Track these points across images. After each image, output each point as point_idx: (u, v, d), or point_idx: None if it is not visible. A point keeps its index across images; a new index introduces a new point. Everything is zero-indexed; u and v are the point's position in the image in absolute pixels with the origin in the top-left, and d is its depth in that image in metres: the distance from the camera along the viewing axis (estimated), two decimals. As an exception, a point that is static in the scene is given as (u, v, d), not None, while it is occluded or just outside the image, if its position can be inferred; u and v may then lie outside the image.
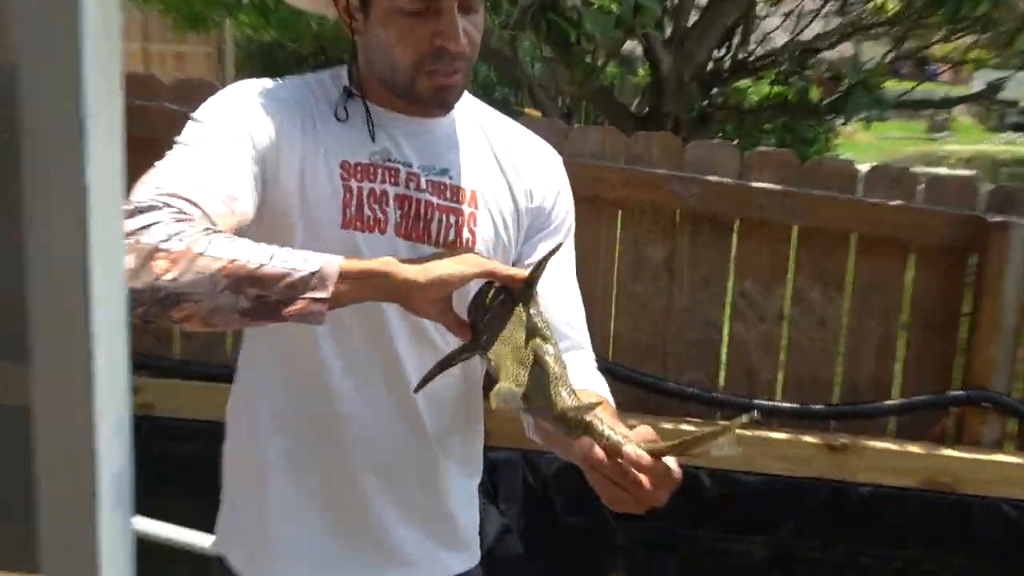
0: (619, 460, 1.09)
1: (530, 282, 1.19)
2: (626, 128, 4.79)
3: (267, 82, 1.35)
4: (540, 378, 1.15)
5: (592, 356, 1.45)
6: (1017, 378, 3.63)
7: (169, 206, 1.12)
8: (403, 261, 1.17)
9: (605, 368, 3.61)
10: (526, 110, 7.11)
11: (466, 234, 1.36)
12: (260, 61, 14.14)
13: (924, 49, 6.74)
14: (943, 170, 15.14)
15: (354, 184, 1.31)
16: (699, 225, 3.61)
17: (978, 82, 16.66)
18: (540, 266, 1.18)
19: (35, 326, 0.83)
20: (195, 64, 14.84)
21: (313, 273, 1.09)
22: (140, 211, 1.10)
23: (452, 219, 1.35)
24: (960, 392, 3.61)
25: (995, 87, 5.79)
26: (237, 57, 14.56)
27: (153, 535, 2.34)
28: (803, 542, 3.62)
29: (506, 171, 1.41)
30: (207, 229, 1.12)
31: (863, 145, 15.33)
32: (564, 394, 1.14)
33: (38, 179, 0.80)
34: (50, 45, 0.78)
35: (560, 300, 1.40)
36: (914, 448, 3.59)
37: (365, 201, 1.31)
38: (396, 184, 1.33)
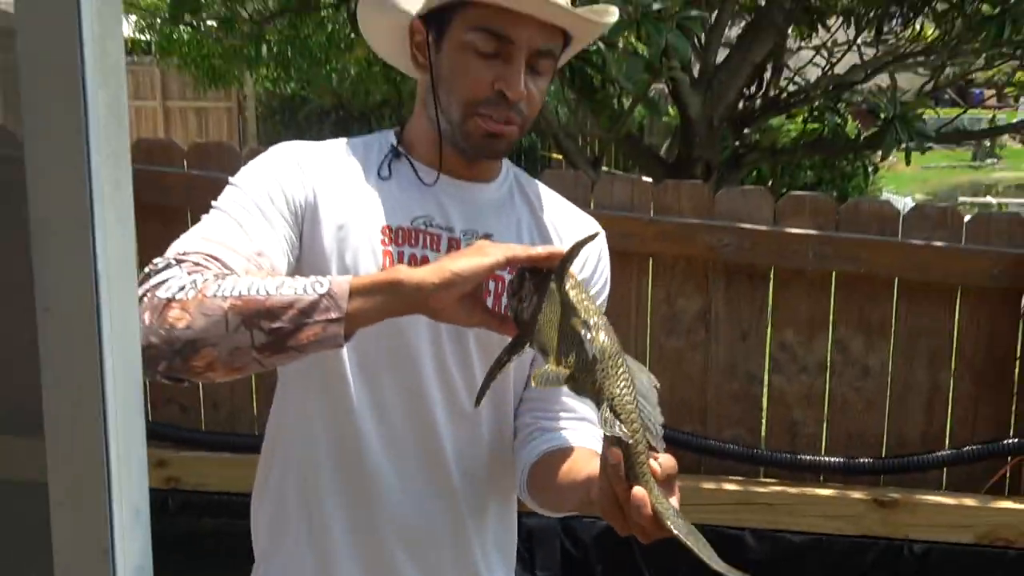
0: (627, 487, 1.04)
1: (565, 259, 1.14)
2: (656, 174, 4.80)
3: (310, 145, 1.37)
4: (584, 360, 1.08)
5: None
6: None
7: (184, 262, 1.14)
8: (414, 264, 1.19)
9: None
10: (553, 155, 7.14)
11: (505, 301, 1.37)
12: (281, 115, 14.37)
13: (965, 76, 6.70)
14: (991, 199, 14.98)
15: (394, 249, 1.32)
16: (734, 276, 3.60)
17: (1025, 106, 16.52)
18: (576, 247, 1.14)
19: (49, 413, 0.84)
20: (216, 119, 15.09)
21: (323, 295, 1.08)
22: (156, 271, 1.12)
23: (491, 285, 1.36)
24: (1016, 440, 3.56)
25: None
26: (258, 111, 14.80)
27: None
28: (857, 603, 3.57)
29: (548, 241, 1.42)
30: (218, 274, 1.13)
31: (906, 177, 15.19)
32: (614, 380, 1.06)
33: (49, 266, 0.82)
34: (57, 135, 0.80)
35: None
36: (969, 501, 3.54)
37: (404, 248, 1.33)
38: (437, 251, 1.34)
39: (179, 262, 1.14)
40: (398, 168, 1.37)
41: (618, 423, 1.04)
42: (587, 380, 1.08)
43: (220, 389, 3.92)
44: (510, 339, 1.19)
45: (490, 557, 1.48)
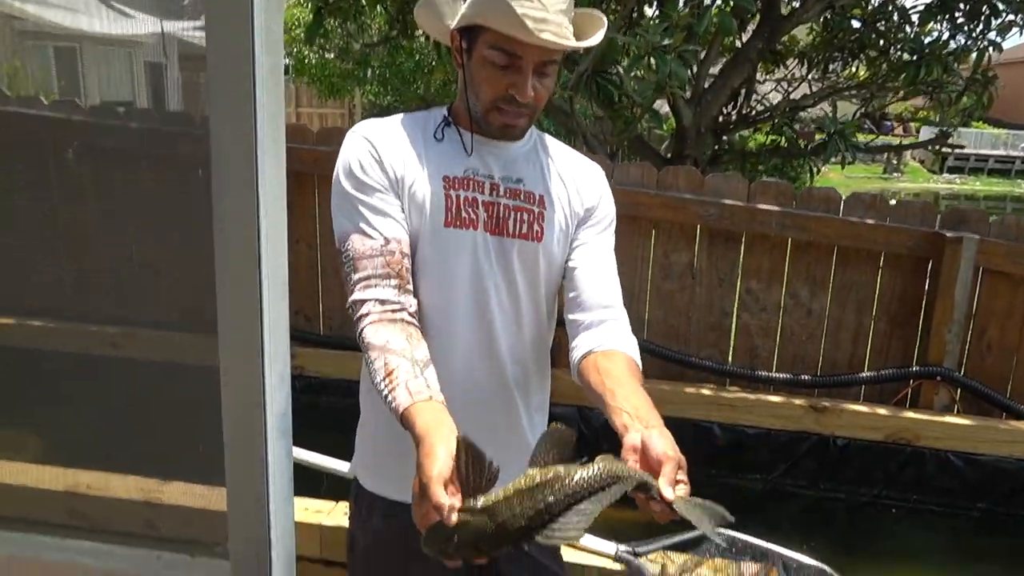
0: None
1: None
2: (656, 166, 4.71)
3: (385, 123, 1.34)
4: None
5: (625, 324, 1.36)
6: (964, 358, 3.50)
7: (373, 292, 1.25)
8: (467, 204, 1.25)
9: (642, 346, 3.57)
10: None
11: (536, 227, 1.34)
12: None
13: (886, 107, 6.54)
14: (894, 202, 14.73)
15: (453, 193, 1.30)
16: (715, 238, 3.53)
17: (924, 135, 16.21)
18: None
19: (222, 308, 0.82)
20: (332, 122, 15.08)
21: (396, 408, 1.12)
22: (358, 305, 1.25)
23: (525, 216, 1.33)
24: (918, 368, 3.49)
25: (946, 134, 5.59)
26: (363, 116, 14.76)
27: (306, 462, 2.34)
28: (792, 481, 3.53)
29: (565, 180, 1.38)
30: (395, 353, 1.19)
31: (836, 182, 14.94)
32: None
33: (225, 203, 0.79)
34: (234, 107, 0.77)
35: (599, 281, 1.36)
36: (881, 410, 3.47)
37: (462, 206, 1.30)
38: (482, 192, 1.32)
39: (369, 290, 1.25)
40: (449, 133, 1.34)
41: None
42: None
43: (333, 305, 3.91)
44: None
45: (534, 418, 1.44)
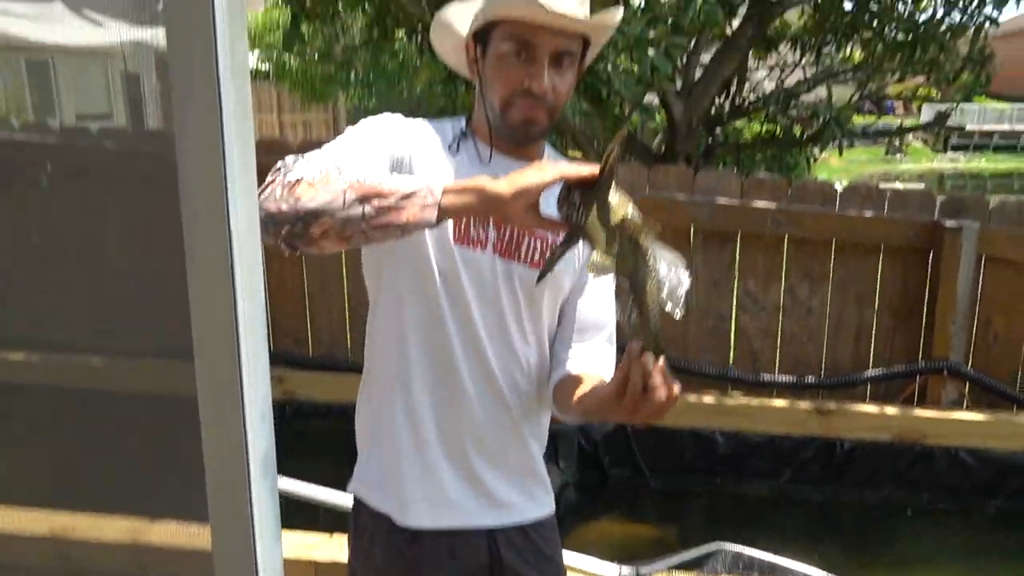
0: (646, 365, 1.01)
1: (609, 174, 1.07)
2: (648, 163, 4.68)
3: (409, 119, 1.33)
4: (626, 249, 1.03)
5: (608, 349, 1.36)
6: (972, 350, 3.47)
7: (310, 161, 1.12)
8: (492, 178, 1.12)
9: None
10: (568, 151, 7.03)
11: (548, 253, 1.31)
12: (366, 123, 14.32)
13: (883, 90, 6.52)
14: (899, 185, 14.73)
15: None
16: (709, 238, 3.49)
17: (926, 114, 16.18)
18: (613, 166, 1.08)
19: (197, 343, 0.80)
20: (317, 127, 15.05)
21: (423, 186, 1.06)
22: (285, 164, 1.11)
23: (537, 242, 1.30)
24: (923, 363, 3.46)
25: (943, 116, 5.56)
26: (348, 121, 14.73)
27: (298, 494, 2.31)
28: (798, 487, 3.50)
29: None
30: (338, 167, 1.11)
31: (835, 167, 14.95)
32: (652, 263, 1.01)
33: (196, 227, 0.77)
34: (199, 124, 0.75)
35: (587, 315, 1.35)
36: (887, 410, 3.44)
37: (471, 222, 1.27)
38: None
39: (305, 160, 1.12)
40: (465, 145, 1.32)
41: (638, 325, 1.01)
42: (624, 267, 1.03)
43: (322, 326, 3.88)
44: (561, 240, 1.12)
45: (532, 448, 1.42)
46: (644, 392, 1.02)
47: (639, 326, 1.03)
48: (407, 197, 1.05)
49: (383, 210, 1.05)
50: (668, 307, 1.01)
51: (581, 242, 1.10)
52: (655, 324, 1.02)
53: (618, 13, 1.26)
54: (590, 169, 1.08)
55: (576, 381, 1.29)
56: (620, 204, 1.05)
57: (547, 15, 1.19)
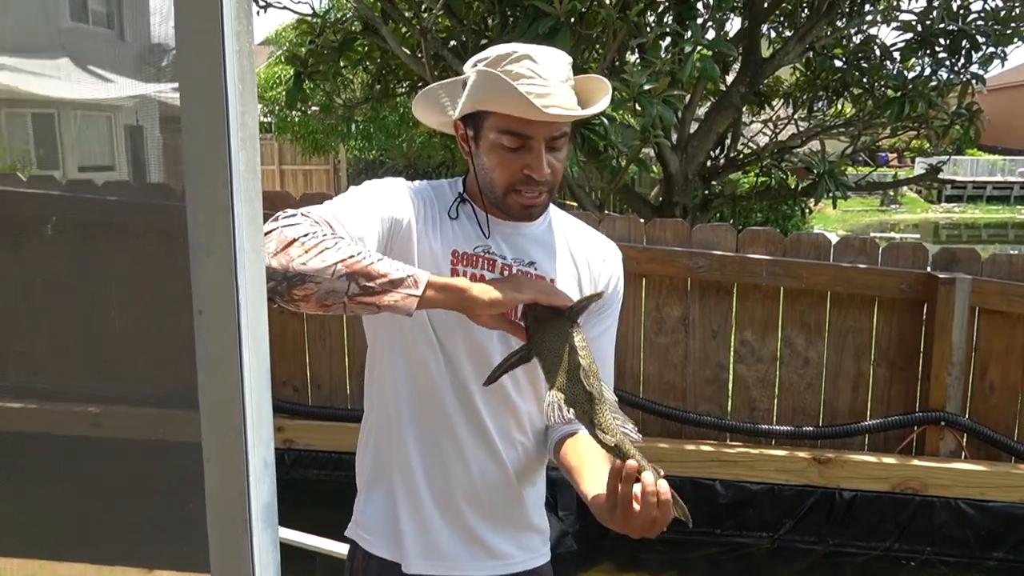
0: (640, 480, 1.07)
1: (577, 309, 1.17)
2: (645, 215, 4.76)
3: (403, 181, 1.35)
4: (581, 396, 1.13)
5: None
6: (969, 400, 3.50)
7: (309, 217, 1.14)
8: (474, 280, 1.18)
9: (639, 404, 3.51)
10: (566, 202, 7.13)
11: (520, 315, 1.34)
12: (366, 174, 14.47)
13: (876, 142, 6.65)
14: (895, 235, 14.86)
15: (460, 268, 1.30)
16: (706, 289, 3.56)
17: (919, 166, 16.41)
18: (584, 300, 1.18)
19: (203, 392, 0.84)
20: (318, 178, 15.21)
21: (409, 275, 1.10)
22: (286, 217, 1.13)
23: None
24: (921, 414, 3.49)
25: (935, 169, 5.67)
26: (348, 172, 14.91)
27: (297, 543, 2.32)
28: (799, 537, 3.50)
29: (579, 265, 1.39)
30: (336, 235, 1.13)
31: (831, 217, 15.09)
32: (607, 415, 1.12)
33: (204, 288, 0.82)
34: (210, 184, 0.80)
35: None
36: (886, 459, 3.47)
37: (465, 275, 1.30)
38: (492, 271, 1.32)
39: (305, 216, 1.14)
40: (464, 210, 1.35)
41: (607, 436, 1.11)
42: (580, 409, 1.14)
43: (323, 375, 3.92)
44: (515, 349, 1.22)
45: (529, 500, 1.44)
46: (631, 509, 1.09)
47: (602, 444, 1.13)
48: (393, 283, 1.09)
49: (367, 290, 1.08)
50: (620, 436, 1.11)
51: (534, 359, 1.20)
52: (627, 448, 1.11)
53: (608, 92, 1.28)
54: (563, 300, 1.18)
55: (575, 453, 1.31)
56: (582, 347, 1.15)
57: (542, 115, 1.20)
